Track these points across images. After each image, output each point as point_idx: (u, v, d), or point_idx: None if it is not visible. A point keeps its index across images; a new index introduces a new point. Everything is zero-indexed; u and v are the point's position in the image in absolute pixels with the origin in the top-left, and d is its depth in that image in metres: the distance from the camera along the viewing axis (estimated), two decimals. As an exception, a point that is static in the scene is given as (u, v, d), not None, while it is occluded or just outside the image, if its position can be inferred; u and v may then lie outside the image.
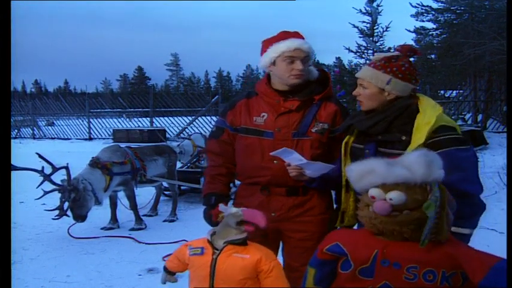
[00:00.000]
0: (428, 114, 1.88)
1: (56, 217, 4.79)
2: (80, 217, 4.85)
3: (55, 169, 4.89)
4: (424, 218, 1.47)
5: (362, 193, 1.62)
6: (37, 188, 4.81)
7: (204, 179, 2.49)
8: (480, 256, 1.48)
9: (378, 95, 1.97)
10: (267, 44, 2.25)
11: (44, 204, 5.01)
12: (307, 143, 2.22)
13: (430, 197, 1.48)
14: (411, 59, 2.03)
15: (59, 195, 4.83)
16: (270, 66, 2.25)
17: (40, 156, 4.84)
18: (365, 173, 1.58)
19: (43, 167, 4.83)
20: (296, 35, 2.25)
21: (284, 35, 2.23)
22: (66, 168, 4.82)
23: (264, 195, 2.25)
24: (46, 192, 4.80)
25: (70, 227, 5.08)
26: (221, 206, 1.86)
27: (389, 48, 6.47)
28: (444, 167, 1.58)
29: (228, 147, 2.37)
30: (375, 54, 2.10)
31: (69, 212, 4.84)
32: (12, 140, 15.22)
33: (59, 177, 4.89)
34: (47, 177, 4.81)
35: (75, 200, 4.76)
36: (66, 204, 4.79)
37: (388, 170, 1.53)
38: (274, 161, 2.19)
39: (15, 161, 4.35)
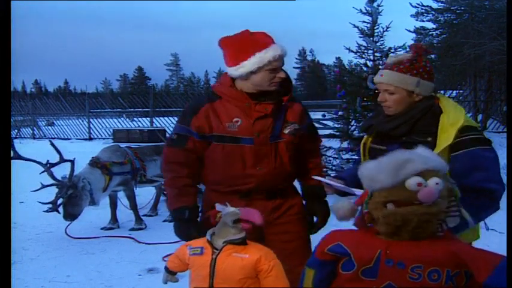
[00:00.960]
0: (454, 115, 1.89)
1: (48, 210, 4.79)
2: (71, 216, 4.80)
3: (61, 160, 4.92)
4: (444, 208, 1.51)
5: (381, 191, 1.54)
6: (40, 174, 4.84)
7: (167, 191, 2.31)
8: (484, 255, 1.47)
9: (407, 98, 1.97)
10: (245, 52, 2.11)
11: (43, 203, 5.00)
12: (283, 145, 2.21)
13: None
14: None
15: (56, 190, 4.83)
16: (246, 74, 2.12)
17: (52, 144, 4.91)
18: (403, 162, 1.51)
19: (48, 161, 4.86)
20: (271, 39, 2.15)
21: (262, 44, 2.12)
22: (72, 162, 4.84)
23: (243, 202, 2.15)
24: (44, 186, 4.81)
25: (67, 226, 5.07)
26: (218, 206, 1.85)
27: (390, 48, 6.45)
28: (469, 166, 1.67)
29: (194, 156, 2.22)
30: (389, 56, 2.09)
31: (60, 210, 4.81)
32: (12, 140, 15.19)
33: (60, 174, 4.89)
34: (49, 168, 4.82)
35: (71, 197, 4.74)
36: (60, 201, 4.79)
37: (426, 157, 1.52)
38: (258, 168, 2.17)
39: (15, 161, 4.37)
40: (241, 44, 2.14)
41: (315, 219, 2.41)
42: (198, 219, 2.24)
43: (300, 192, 2.43)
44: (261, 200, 2.21)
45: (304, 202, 2.41)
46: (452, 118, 1.89)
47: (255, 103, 2.17)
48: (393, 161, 1.53)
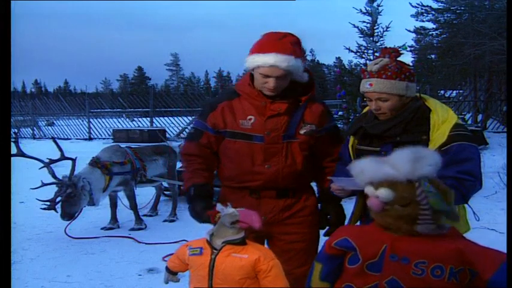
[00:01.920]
0: (442, 113, 2.01)
1: (46, 207, 4.78)
2: (68, 215, 4.78)
3: (62, 156, 4.92)
4: (415, 213, 1.50)
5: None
6: (40, 169, 4.87)
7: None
8: (489, 252, 1.49)
9: (399, 102, 2.04)
10: (252, 49, 2.17)
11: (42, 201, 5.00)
12: (296, 145, 2.20)
13: (418, 193, 1.50)
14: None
15: (56, 189, 4.82)
16: (247, 69, 2.24)
17: (54, 142, 4.96)
18: (358, 172, 1.62)
19: (49, 159, 4.88)
20: (281, 48, 2.10)
21: (266, 47, 2.11)
22: (73, 160, 4.85)
23: (253, 198, 2.21)
24: (44, 184, 4.81)
25: (67, 226, 5.05)
26: (218, 206, 1.85)
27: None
28: (456, 158, 1.85)
29: (207, 150, 2.28)
30: (367, 65, 2.12)
31: (58, 209, 4.80)
32: (12, 140, 15.18)
33: (61, 174, 4.89)
34: (48, 164, 4.83)
35: (69, 196, 4.72)
36: (58, 199, 4.77)
37: (375, 168, 1.57)
38: (266, 166, 2.17)
39: (15, 160, 4.37)
40: (258, 41, 2.19)
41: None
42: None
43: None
44: (271, 198, 2.21)
45: (319, 204, 2.37)
46: (442, 116, 2.00)
47: (270, 102, 2.18)
48: (354, 168, 1.65)
